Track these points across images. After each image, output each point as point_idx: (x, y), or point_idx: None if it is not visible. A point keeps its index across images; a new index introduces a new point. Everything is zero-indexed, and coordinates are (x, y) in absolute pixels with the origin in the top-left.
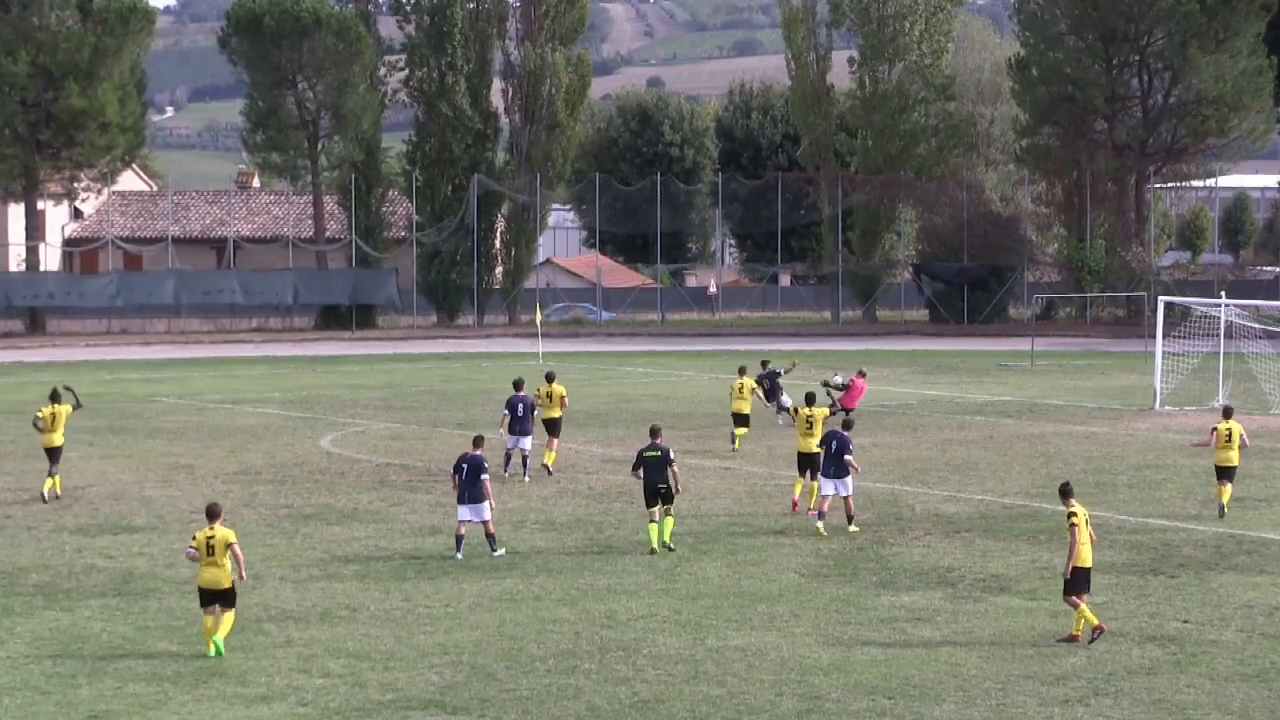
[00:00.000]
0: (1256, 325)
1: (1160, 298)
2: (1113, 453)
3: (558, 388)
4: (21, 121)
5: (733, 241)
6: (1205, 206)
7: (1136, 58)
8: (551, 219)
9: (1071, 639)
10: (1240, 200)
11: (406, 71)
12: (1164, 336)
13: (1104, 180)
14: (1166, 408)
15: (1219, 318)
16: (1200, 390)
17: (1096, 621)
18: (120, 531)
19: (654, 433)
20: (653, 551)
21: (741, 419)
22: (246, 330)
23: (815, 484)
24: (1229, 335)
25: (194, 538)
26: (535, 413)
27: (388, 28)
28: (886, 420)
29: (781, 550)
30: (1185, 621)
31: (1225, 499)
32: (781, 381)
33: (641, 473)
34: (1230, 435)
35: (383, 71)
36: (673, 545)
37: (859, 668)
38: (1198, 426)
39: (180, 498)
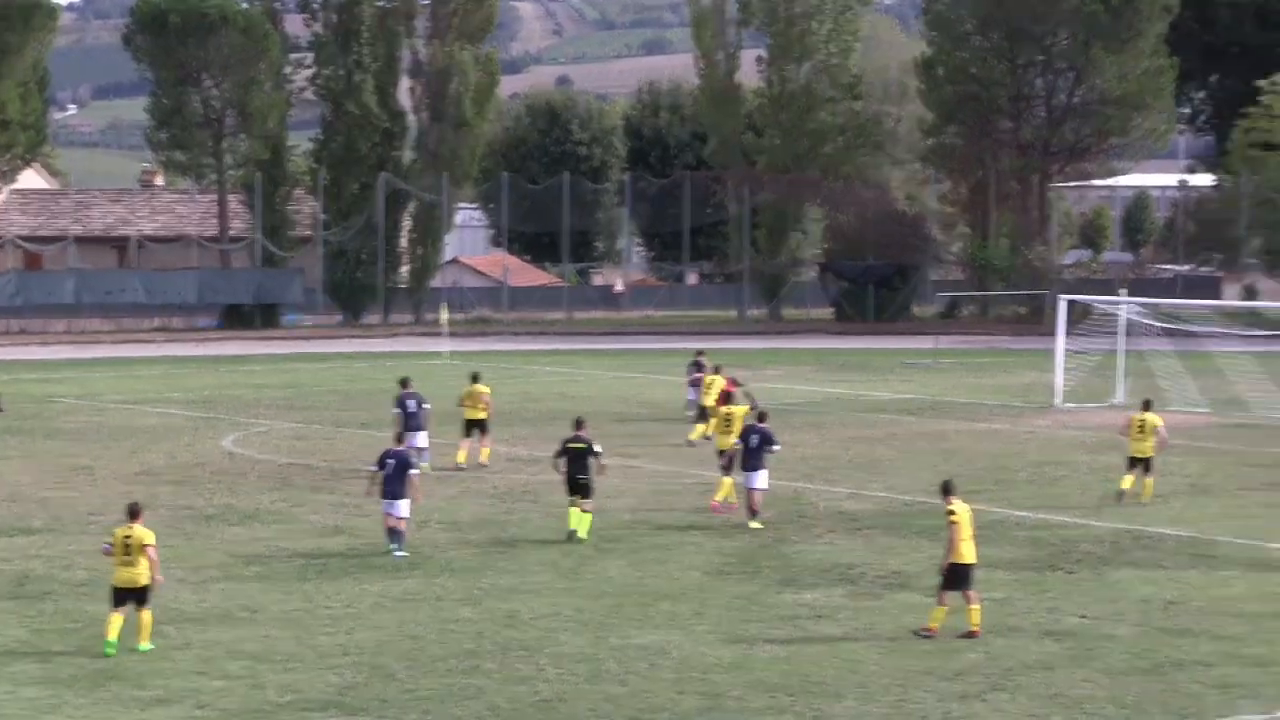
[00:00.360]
0: (1156, 323)
1: (1062, 296)
2: (1013, 449)
3: (481, 388)
4: None
5: (640, 240)
6: (1107, 205)
7: (1041, 58)
8: (458, 218)
9: (927, 632)
10: (1141, 199)
11: (313, 70)
12: (1065, 334)
13: (1008, 179)
14: (1067, 405)
15: (1119, 316)
16: (1100, 387)
17: (976, 626)
18: (16, 534)
19: (578, 424)
20: (570, 534)
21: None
22: (149, 330)
23: (730, 479)
24: (1129, 333)
25: (111, 534)
26: (426, 408)
27: (294, 25)
28: (791, 418)
29: (685, 549)
30: (1082, 617)
31: (1127, 485)
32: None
33: (564, 464)
34: (1144, 426)
35: (289, 69)
36: (587, 539)
37: (760, 665)
38: (1098, 424)
39: (79, 499)
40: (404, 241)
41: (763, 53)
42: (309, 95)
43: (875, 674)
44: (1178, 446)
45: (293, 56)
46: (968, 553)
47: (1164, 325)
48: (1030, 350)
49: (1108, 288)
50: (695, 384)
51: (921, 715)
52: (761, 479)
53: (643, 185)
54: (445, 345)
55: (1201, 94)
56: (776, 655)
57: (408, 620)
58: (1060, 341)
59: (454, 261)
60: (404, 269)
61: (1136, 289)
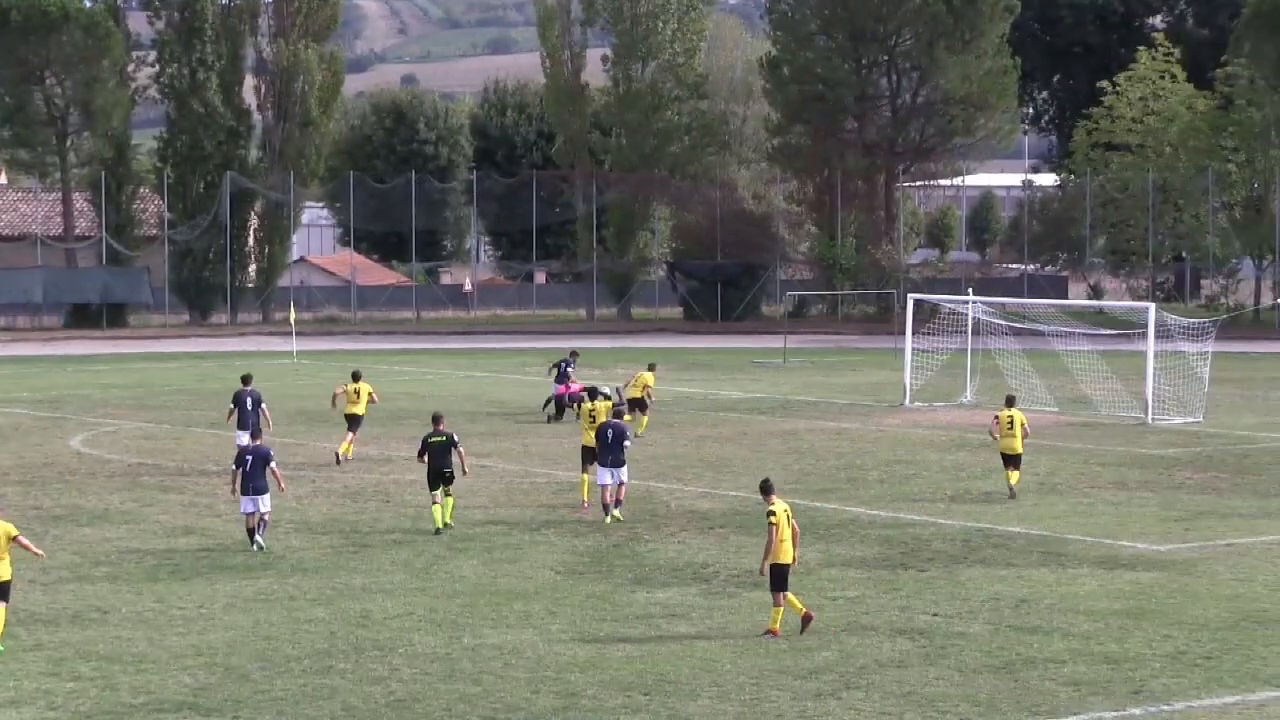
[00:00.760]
0: (1003, 322)
1: (910, 295)
2: (864, 448)
3: (364, 385)
4: None
5: (488, 239)
6: (953, 205)
7: (885, 58)
8: (305, 217)
9: (771, 633)
10: (987, 199)
11: (157, 68)
12: (913, 333)
13: (854, 179)
14: (916, 404)
15: (967, 315)
16: (949, 386)
17: (776, 626)
18: None
19: (436, 419)
20: (437, 531)
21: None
22: None
23: (590, 475)
24: (976, 332)
25: None
26: (262, 407)
27: (137, 23)
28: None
29: (537, 548)
30: (934, 615)
31: (1014, 481)
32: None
33: (426, 458)
34: (1012, 422)
35: (132, 67)
36: (452, 523)
37: (615, 664)
38: (947, 422)
39: None
40: (251, 240)
41: (608, 52)
42: (153, 93)
43: (730, 673)
44: (1026, 445)
45: (136, 54)
46: (785, 553)
47: (1011, 324)
48: (879, 349)
49: (955, 287)
50: (561, 378)
51: (776, 714)
52: (624, 472)
53: (490, 184)
54: (293, 345)
55: (1044, 94)
56: (631, 654)
57: (261, 620)
58: (909, 340)
59: (301, 260)
60: (251, 268)
61: (983, 288)
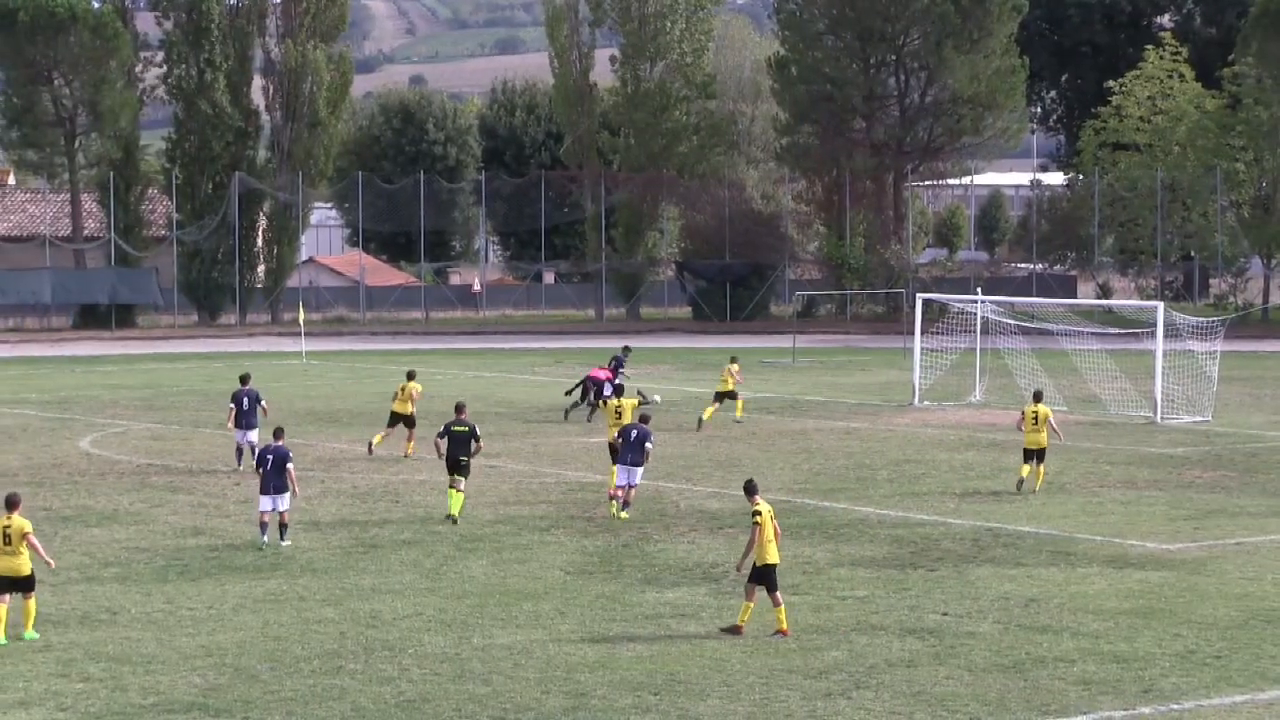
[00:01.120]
0: (1011, 321)
1: (918, 294)
2: (873, 448)
3: (414, 385)
4: None
5: (496, 240)
6: (961, 204)
7: (893, 57)
8: (314, 217)
9: (735, 630)
10: (995, 198)
11: (165, 68)
12: (922, 333)
13: (863, 179)
14: (925, 403)
15: (975, 314)
16: (958, 385)
17: (785, 626)
18: None
19: (459, 409)
20: (449, 517)
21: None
22: (2, 331)
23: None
24: (985, 331)
25: None
26: (261, 404)
27: (145, 24)
28: (652, 418)
29: (547, 548)
30: (944, 614)
31: (1025, 474)
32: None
33: (446, 445)
34: (1038, 418)
35: (140, 68)
36: (457, 519)
37: (624, 664)
38: (956, 422)
39: None
40: (260, 241)
41: (616, 52)
42: (161, 94)
43: (739, 672)
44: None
45: (144, 55)
46: (771, 553)
47: (1020, 324)
48: (888, 349)
49: (964, 286)
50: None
51: (786, 713)
52: (639, 474)
53: (498, 184)
54: (302, 345)
55: (1052, 94)
56: (641, 654)
57: (270, 621)
58: (917, 340)
59: (310, 261)
60: (260, 269)
61: (992, 287)
